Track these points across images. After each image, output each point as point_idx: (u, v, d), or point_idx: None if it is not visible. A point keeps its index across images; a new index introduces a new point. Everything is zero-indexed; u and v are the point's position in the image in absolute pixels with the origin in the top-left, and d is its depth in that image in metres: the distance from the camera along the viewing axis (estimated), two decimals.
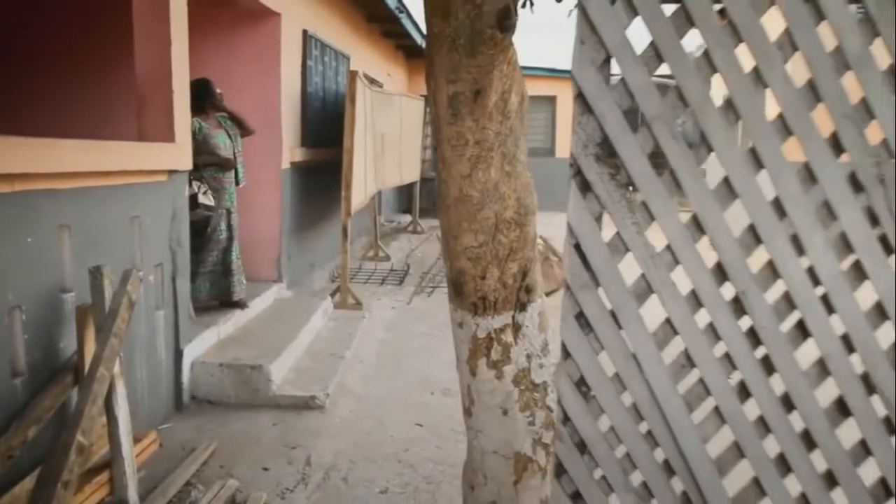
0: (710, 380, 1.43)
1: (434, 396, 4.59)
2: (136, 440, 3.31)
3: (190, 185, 4.67)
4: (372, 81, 8.64)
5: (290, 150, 6.35)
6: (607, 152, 1.32)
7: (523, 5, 2.43)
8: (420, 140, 10.91)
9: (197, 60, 4.48)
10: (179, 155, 4.19)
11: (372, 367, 5.17)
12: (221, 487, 3.27)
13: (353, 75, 6.16)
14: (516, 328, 2.32)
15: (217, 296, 5.07)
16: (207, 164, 4.87)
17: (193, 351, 4.40)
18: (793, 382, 1.40)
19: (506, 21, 1.89)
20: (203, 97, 4.87)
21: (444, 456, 3.70)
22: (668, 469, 1.49)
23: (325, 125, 7.28)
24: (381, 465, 3.64)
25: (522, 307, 2.31)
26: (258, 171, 6.01)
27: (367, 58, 9.78)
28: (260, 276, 6.04)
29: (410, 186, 11.78)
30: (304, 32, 6.57)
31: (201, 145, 4.76)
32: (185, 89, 4.23)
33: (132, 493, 2.98)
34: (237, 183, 5.20)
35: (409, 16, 9.85)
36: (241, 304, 5.20)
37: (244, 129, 5.29)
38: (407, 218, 12.25)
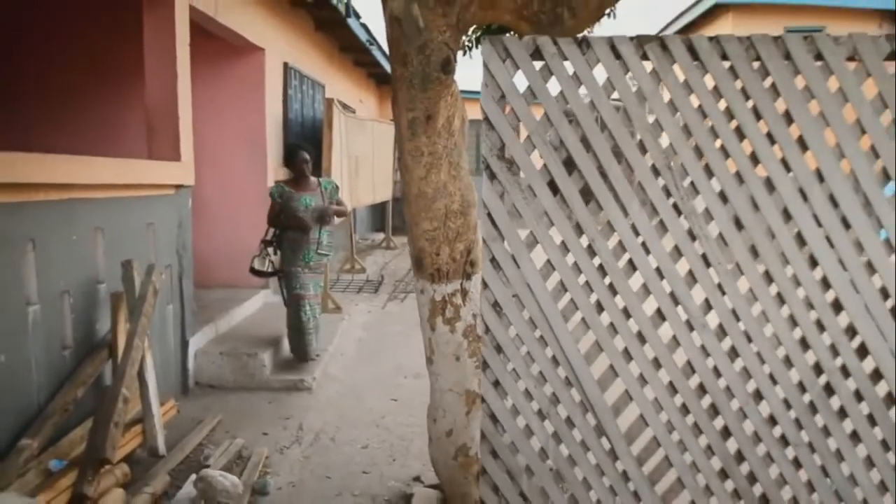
0: (578, 300, 2.24)
1: (407, 379, 5.36)
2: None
3: (259, 252, 5.28)
4: (345, 107, 9.48)
5: (274, 171, 7.13)
6: (504, 154, 2.14)
7: (464, 54, 3.27)
8: (391, 162, 11.69)
9: (192, 90, 5.22)
10: (184, 172, 4.97)
11: (352, 358, 5.94)
12: (230, 445, 4.00)
13: (329, 103, 6.99)
14: (464, 293, 3.12)
15: (294, 350, 5.40)
16: (287, 226, 5.25)
17: (197, 342, 5.15)
18: (629, 300, 2.22)
19: (447, 67, 2.72)
20: (290, 161, 5.43)
21: (415, 421, 4.47)
22: (556, 362, 2.30)
23: (304, 148, 8.06)
24: (363, 429, 4.40)
25: (468, 277, 3.11)
26: (246, 188, 6.81)
27: (340, 85, 10.63)
28: (249, 283, 6.75)
29: (383, 206, 12.59)
30: (285, 65, 7.41)
31: (284, 208, 5.24)
32: (189, 116, 5.02)
33: (161, 444, 3.73)
34: (323, 247, 5.38)
35: (379, 47, 10.72)
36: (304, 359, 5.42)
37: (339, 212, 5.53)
38: (380, 235, 13.06)
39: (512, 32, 3.10)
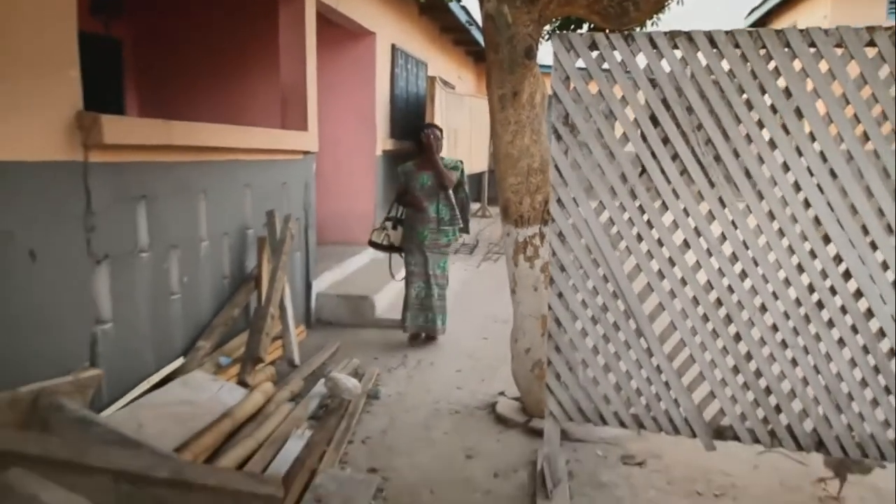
0: (623, 231, 2.97)
1: (496, 324, 6.17)
2: None
3: (380, 226, 5.66)
4: (445, 84, 10.29)
5: (382, 141, 8.06)
6: (568, 120, 2.89)
7: (546, 40, 4.00)
8: (488, 134, 12.42)
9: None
10: (310, 140, 5.92)
11: (449, 306, 6.78)
12: (348, 363, 4.93)
13: (432, 80, 7.83)
14: (542, 236, 3.89)
15: (419, 328, 5.61)
16: (405, 204, 5.56)
17: (318, 285, 6.13)
18: (662, 232, 2.93)
19: (530, 53, 3.49)
20: (419, 140, 5.51)
21: (502, 353, 5.25)
22: (605, 279, 3.04)
23: (408, 121, 8.97)
24: (457, 358, 5.27)
25: (545, 223, 3.88)
26: (357, 157, 7.76)
27: (441, 63, 11.47)
28: (359, 241, 7.71)
29: (479, 177, 13.38)
30: (393, 46, 8.30)
31: (406, 187, 5.54)
32: (314, 93, 5.97)
33: (296, 356, 4.70)
34: (445, 223, 5.50)
35: (478, 27, 11.45)
36: (432, 337, 5.67)
37: (440, 179, 5.46)
38: (476, 205, 13.90)
39: (586, 23, 3.82)
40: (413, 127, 5.76)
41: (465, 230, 5.76)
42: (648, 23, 5.47)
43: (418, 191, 5.47)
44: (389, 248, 5.71)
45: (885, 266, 2.75)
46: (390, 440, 3.88)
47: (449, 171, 5.47)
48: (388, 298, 6.44)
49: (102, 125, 3.23)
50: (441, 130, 5.62)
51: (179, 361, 4.02)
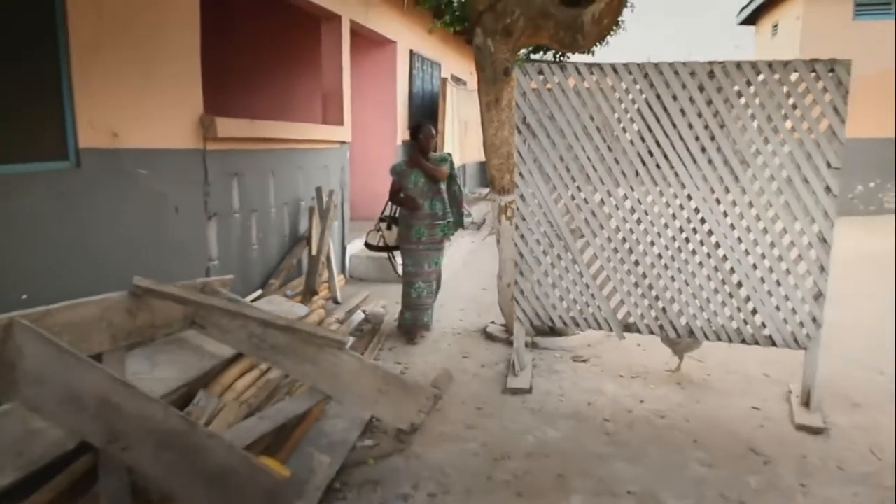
0: (561, 192, 4.66)
1: (494, 279, 7.84)
2: None
3: (375, 227, 5.98)
4: (458, 80, 11.98)
5: (401, 132, 9.77)
6: (525, 120, 4.58)
7: (522, 61, 5.67)
8: None
9: None
10: (345, 132, 7.66)
11: (457, 269, 8.53)
12: (376, 305, 6.66)
13: (444, 81, 9.54)
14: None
15: (418, 326, 5.78)
16: (397, 202, 5.68)
17: (350, 249, 7.88)
18: (587, 193, 4.62)
19: (507, 72, 5.21)
20: (415, 136, 5.68)
21: (495, 300, 6.98)
22: (552, 225, 4.72)
23: (424, 114, 10.68)
24: (461, 301, 7.01)
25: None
26: (380, 146, 9.48)
27: (454, 62, 13.16)
28: None
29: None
30: (411, 52, 10.01)
31: (399, 184, 5.62)
32: (349, 93, 7.71)
33: (339, 295, 6.46)
34: (438, 218, 5.65)
35: None
36: (411, 338, 5.75)
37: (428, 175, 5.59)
38: (485, 190, 15.61)
39: (546, 48, 5.39)
40: (413, 126, 5.86)
41: (460, 223, 5.96)
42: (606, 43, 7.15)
43: (411, 189, 5.57)
44: (385, 249, 6.04)
45: (725, 214, 4.42)
46: (409, 349, 5.61)
47: (437, 164, 5.63)
48: None
49: (217, 124, 4.97)
50: (433, 129, 5.78)
51: (258, 292, 5.78)
